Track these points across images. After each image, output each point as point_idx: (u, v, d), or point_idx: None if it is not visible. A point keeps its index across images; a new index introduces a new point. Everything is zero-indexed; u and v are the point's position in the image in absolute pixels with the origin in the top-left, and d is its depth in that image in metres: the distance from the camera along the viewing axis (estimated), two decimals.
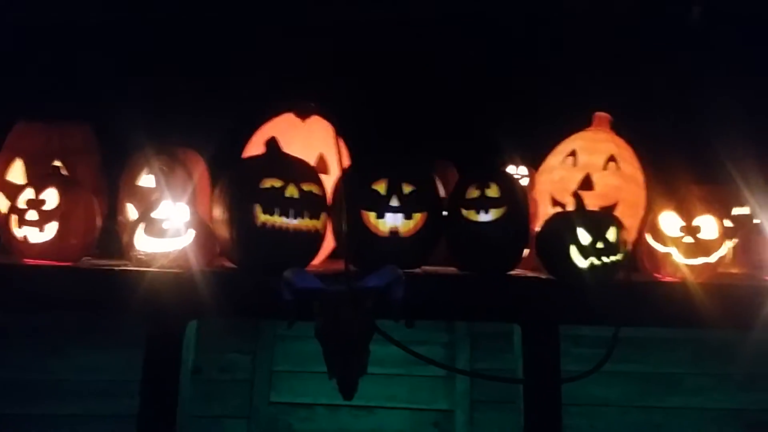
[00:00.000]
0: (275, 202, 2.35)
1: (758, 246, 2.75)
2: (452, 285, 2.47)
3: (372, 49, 3.49)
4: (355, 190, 2.44)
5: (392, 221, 2.43)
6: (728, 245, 2.63)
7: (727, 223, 2.71)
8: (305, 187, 2.40)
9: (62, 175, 2.64)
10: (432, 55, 3.53)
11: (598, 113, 2.95)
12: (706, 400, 3.51)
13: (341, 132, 2.68)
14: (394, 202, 2.43)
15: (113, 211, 2.81)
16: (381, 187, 2.44)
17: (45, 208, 2.46)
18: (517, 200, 2.49)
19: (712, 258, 2.55)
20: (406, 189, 2.44)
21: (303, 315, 2.19)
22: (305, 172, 2.47)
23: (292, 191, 2.37)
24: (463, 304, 2.45)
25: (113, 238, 2.71)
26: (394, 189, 2.43)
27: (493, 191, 2.46)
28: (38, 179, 2.57)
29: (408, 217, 2.43)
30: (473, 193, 2.48)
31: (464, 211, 2.47)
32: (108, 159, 2.93)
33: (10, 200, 2.59)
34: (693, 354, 3.51)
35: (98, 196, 2.67)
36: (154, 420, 2.34)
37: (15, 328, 3.38)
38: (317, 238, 2.46)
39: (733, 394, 3.50)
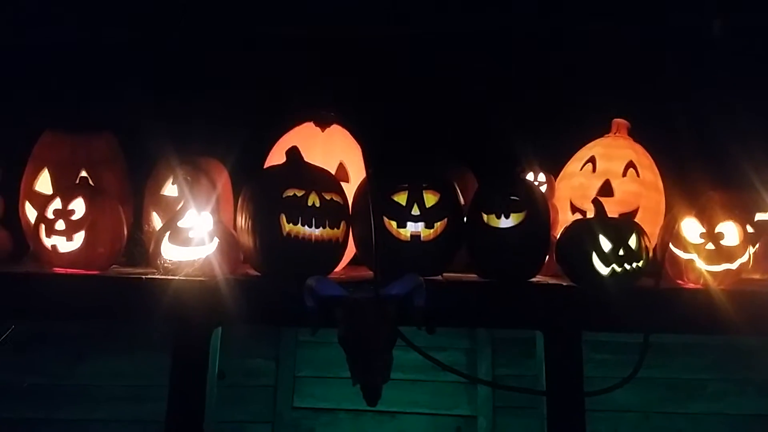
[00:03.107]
0: (297, 211, 2.38)
1: None
2: (473, 292, 2.48)
3: (390, 57, 3.51)
4: (376, 201, 2.44)
5: (414, 228, 2.45)
6: (750, 251, 2.61)
7: (749, 229, 2.69)
8: (327, 195, 2.43)
9: (89, 185, 2.68)
10: (451, 62, 3.54)
11: (616, 120, 2.95)
12: (728, 405, 3.50)
13: (359, 139, 2.71)
14: (415, 212, 2.44)
15: (138, 220, 2.85)
16: (401, 198, 2.45)
17: (73, 218, 2.50)
18: (537, 206, 2.49)
19: (735, 264, 2.53)
20: (427, 198, 2.45)
21: (326, 322, 2.22)
22: (326, 181, 2.50)
23: (314, 200, 2.40)
24: (484, 311, 2.46)
25: (139, 246, 2.75)
26: (414, 199, 2.45)
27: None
28: (65, 189, 2.61)
29: (429, 226, 2.44)
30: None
31: (485, 216, 2.48)
32: (132, 168, 2.97)
33: (38, 210, 2.62)
34: (715, 360, 3.49)
35: (124, 205, 2.70)
36: (181, 425, 2.37)
37: (43, 335, 3.44)
38: (339, 247, 2.48)
39: (756, 399, 3.48)
